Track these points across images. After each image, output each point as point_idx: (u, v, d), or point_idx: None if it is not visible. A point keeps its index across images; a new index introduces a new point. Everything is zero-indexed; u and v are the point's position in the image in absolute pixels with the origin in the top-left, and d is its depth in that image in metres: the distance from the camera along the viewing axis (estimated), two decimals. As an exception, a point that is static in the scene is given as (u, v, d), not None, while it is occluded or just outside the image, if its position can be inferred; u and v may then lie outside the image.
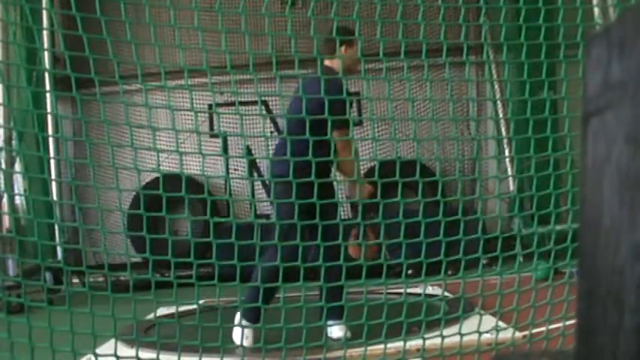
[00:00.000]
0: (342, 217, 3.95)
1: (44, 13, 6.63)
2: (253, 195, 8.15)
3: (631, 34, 0.70)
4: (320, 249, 3.22)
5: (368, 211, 3.72)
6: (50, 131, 7.14)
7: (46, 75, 7.07)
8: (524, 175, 5.86)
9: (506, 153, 7.65)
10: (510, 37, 3.42)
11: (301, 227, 3.20)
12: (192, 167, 6.71)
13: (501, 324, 3.29)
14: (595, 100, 0.76)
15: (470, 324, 3.22)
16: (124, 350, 3.11)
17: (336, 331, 3.74)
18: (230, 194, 7.85)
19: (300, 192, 3.20)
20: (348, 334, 3.67)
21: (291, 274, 3.22)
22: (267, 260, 3.56)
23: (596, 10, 5.85)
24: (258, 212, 8.55)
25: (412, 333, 3.18)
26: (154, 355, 2.92)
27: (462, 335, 3.08)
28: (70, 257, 7.01)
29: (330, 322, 3.66)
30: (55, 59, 7.31)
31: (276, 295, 3.74)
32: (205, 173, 6.66)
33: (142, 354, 2.92)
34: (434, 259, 3.22)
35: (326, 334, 3.64)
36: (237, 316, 3.67)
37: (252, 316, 3.67)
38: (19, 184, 6.17)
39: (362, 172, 8.01)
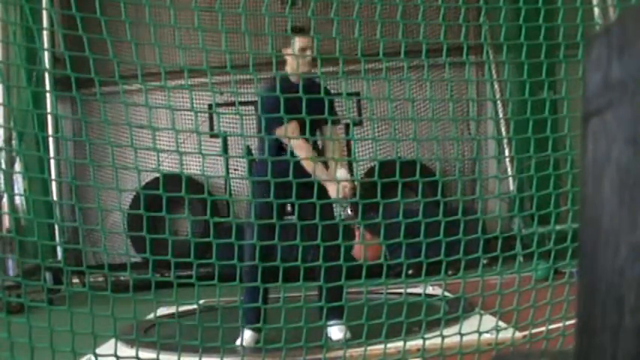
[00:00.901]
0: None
1: (44, 13, 6.63)
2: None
3: (631, 34, 0.70)
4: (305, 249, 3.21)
5: (367, 211, 3.70)
6: (50, 131, 7.14)
7: (46, 75, 7.07)
8: (524, 175, 5.86)
9: (506, 153, 7.65)
10: (510, 37, 3.42)
11: (271, 226, 3.20)
12: (192, 167, 6.71)
13: (501, 324, 3.30)
14: (595, 100, 0.76)
15: (470, 324, 3.22)
16: (124, 350, 3.11)
17: (335, 332, 3.74)
18: (230, 194, 7.85)
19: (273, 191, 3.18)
20: (348, 335, 3.67)
21: (268, 274, 3.24)
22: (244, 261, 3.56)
23: (596, 10, 5.86)
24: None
25: (412, 333, 3.18)
26: (154, 355, 2.92)
27: (461, 335, 3.08)
28: (70, 257, 7.01)
29: (330, 322, 3.66)
30: (55, 59, 7.31)
31: (270, 295, 3.75)
32: (205, 173, 6.66)
33: (142, 354, 2.92)
34: (434, 259, 3.22)
35: (326, 335, 3.64)
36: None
37: (250, 317, 3.68)
38: (19, 184, 6.16)
39: (362, 172, 8.06)
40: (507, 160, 7.60)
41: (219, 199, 8.04)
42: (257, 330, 3.70)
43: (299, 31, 3.70)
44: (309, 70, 3.80)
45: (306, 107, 3.04)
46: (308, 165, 3.50)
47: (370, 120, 7.62)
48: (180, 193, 3.04)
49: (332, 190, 3.54)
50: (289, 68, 3.82)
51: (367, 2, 3.87)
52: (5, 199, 5.91)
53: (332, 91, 3.93)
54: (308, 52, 3.70)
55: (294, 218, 3.55)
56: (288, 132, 3.31)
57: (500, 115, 7.75)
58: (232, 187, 8.44)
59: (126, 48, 3.62)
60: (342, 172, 3.66)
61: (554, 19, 3.47)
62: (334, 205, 3.97)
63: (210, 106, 7.95)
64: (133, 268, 3.33)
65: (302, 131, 3.30)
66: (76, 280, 6.87)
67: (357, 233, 3.71)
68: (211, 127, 8.37)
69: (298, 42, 3.69)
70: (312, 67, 3.81)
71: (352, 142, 7.37)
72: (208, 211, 3.14)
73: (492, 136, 8.25)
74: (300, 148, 3.45)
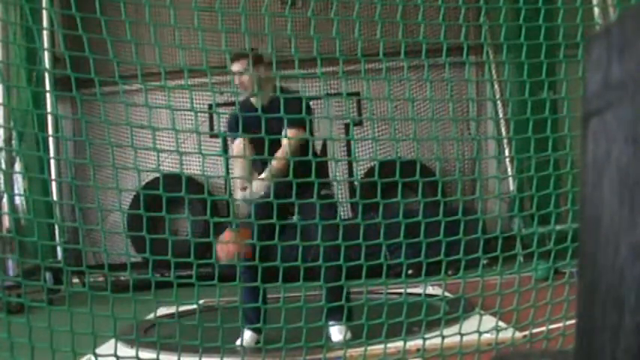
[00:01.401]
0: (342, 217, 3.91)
1: (44, 13, 6.63)
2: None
3: (631, 34, 0.70)
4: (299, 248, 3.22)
5: (367, 211, 3.69)
6: (50, 131, 7.14)
7: (46, 75, 7.07)
8: (524, 175, 5.86)
9: (506, 153, 7.65)
10: (510, 37, 3.42)
11: (264, 227, 3.21)
12: (193, 167, 6.71)
13: (501, 324, 3.29)
14: (595, 100, 0.76)
15: (470, 324, 3.22)
16: (124, 350, 3.11)
17: (335, 333, 3.74)
18: (230, 194, 7.85)
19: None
20: (349, 335, 3.66)
21: (264, 274, 3.22)
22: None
23: (596, 10, 5.85)
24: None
25: (412, 333, 3.18)
26: (154, 355, 2.92)
27: (462, 335, 3.08)
28: (70, 257, 7.01)
29: (330, 323, 3.66)
30: (55, 59, 7.31)
31: (270, 295, 3.75)
32: (205, 173, 6.66)
33: (142, 354, 2.92)
34: (434, 259, 3.22)
35: (326, 335, 3.64)
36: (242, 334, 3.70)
37: (249, 317, 3.68)
38: (19, 184, 6.17)
39: (362, 172, 8.06)
40: (507, 160, 7.60)
41: (219, 199, 8.03)
42: (257, 330, 3.70)
43: (234, 57, 3.76)
44: (247, 90, 3.77)
45: (264, 124, 3.07)
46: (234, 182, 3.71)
47: (370, 120, 7.62)
48: (180, 193, 3.04)
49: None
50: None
51: (367, 2, 3.87)
52: (5, 199, 5.91)
53: (295, 101, 3.87)
54: (241, 78, 3.71)
55: (293, 219, 3.56)
56: (235, 149, 3.62)
57: (500, 115, 7.75)
58: (232, 187, 8.44)
59: (126, 48, 3.62)
60: (250, 189, 3.62)
61: (554, 19, 3.46)
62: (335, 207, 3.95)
63: (210, 106, 7.95)
64: (133, 268, 3.33)
65: (252, 146, 3.57)
66: (76, 280, 6.87)
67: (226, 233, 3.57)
68: (211, 127, 8.37)
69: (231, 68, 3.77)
70: (249, 87, 3.74)
71: (352, 142, 7.37)
72: (208, 211, 3.14)
73: (492, 136, 8.25)
74: (234, 167, 3.75)
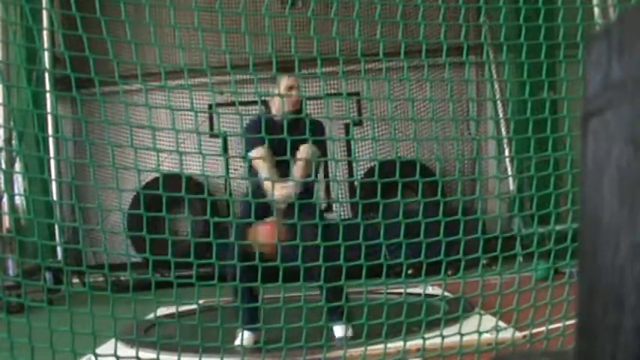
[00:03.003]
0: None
1: (44, 13, 6.63)
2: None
3: (631, 34, 0.70)
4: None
5: (367, 211, 3.69)
6: (50, 131, 7.13)
7: (46, 75, 7.07)
8: (524, 175, 5.86)
9: (506, 153, 7.65)
10: (510, 37, 3.42)
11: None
12: (193, 167, 6.70)
13: (501, 324, 3.30)
14: (595, 100, 0.76)
15: (470, 324, 3.22)
16: (124, 350, 3.11)
17: (337, 330, 3.74)
18: (230, 194, 7.85)
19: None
20: (350, 333, 3.66)
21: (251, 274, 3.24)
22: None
23: (596, 10, 5.85)
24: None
25: (412, 333, 3.18)
26: (154, 355, 2.92)
27: (461, 335, 3.08)
28: (70, 257, 7.01)
29: (330, 323, 3.66)
30: (55, 59, 7.31)
31: (269, 295, 3.75)
32: (205, 173, 6.65)
33: (142, 354, 2.92)
34: (434, 259, 3.22)
35: (328, 334, 3.64)
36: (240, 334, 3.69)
37: (245, 318, 3.68)
38: (19, 184, 6.16)
39: (362, 172, 8.06)
40: (507, 160, 7.60)
41: (219, 199, 8.03)
42: (254, 330, 3.70)
43: (286, 70, 3.81)
44: (296, 108, 3.84)
45: (287, 142, 3.15)
46: (265, 183, 3.68)
47: (370, 120, 7.62)
48: (180, 193, 3.04)
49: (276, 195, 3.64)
50: (274, 108, 3.91)
51: (367, 2, 3.87)
52: (5, 199, 5.90)
53: (320, 125, 3.95)
54: (294, 92, 3.80)
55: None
56: (255, 154, 3.67)
57: (500, 115, 7.75)
58: (232, 187, 8.44)
59: (126, 48, 3.62)
60: (284, 183, 3.67)
61: (554, 19, 3.46)
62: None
63: (210, 106, 7.95)
64: (133, 268, 3.33)
65: (274, 156, 3.58)
66: (76, 280, 6.86)
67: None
68: (211, 127, 8.37)
69: (285, 81, 3.82)
70: (298, 105, 3.86)
71: (352, 142, 7.37)
72: (208, 211, 3.14)
73: (492, 136, 8.24)
74: (260, 169, 3.72)
